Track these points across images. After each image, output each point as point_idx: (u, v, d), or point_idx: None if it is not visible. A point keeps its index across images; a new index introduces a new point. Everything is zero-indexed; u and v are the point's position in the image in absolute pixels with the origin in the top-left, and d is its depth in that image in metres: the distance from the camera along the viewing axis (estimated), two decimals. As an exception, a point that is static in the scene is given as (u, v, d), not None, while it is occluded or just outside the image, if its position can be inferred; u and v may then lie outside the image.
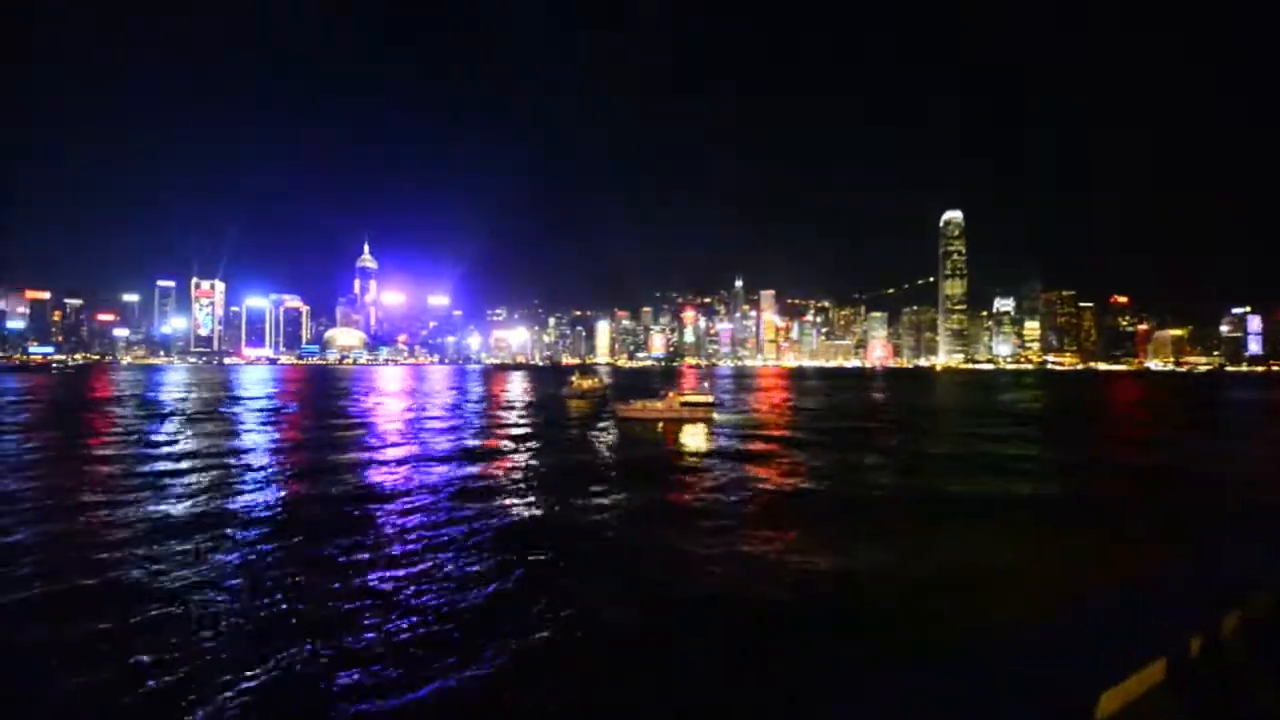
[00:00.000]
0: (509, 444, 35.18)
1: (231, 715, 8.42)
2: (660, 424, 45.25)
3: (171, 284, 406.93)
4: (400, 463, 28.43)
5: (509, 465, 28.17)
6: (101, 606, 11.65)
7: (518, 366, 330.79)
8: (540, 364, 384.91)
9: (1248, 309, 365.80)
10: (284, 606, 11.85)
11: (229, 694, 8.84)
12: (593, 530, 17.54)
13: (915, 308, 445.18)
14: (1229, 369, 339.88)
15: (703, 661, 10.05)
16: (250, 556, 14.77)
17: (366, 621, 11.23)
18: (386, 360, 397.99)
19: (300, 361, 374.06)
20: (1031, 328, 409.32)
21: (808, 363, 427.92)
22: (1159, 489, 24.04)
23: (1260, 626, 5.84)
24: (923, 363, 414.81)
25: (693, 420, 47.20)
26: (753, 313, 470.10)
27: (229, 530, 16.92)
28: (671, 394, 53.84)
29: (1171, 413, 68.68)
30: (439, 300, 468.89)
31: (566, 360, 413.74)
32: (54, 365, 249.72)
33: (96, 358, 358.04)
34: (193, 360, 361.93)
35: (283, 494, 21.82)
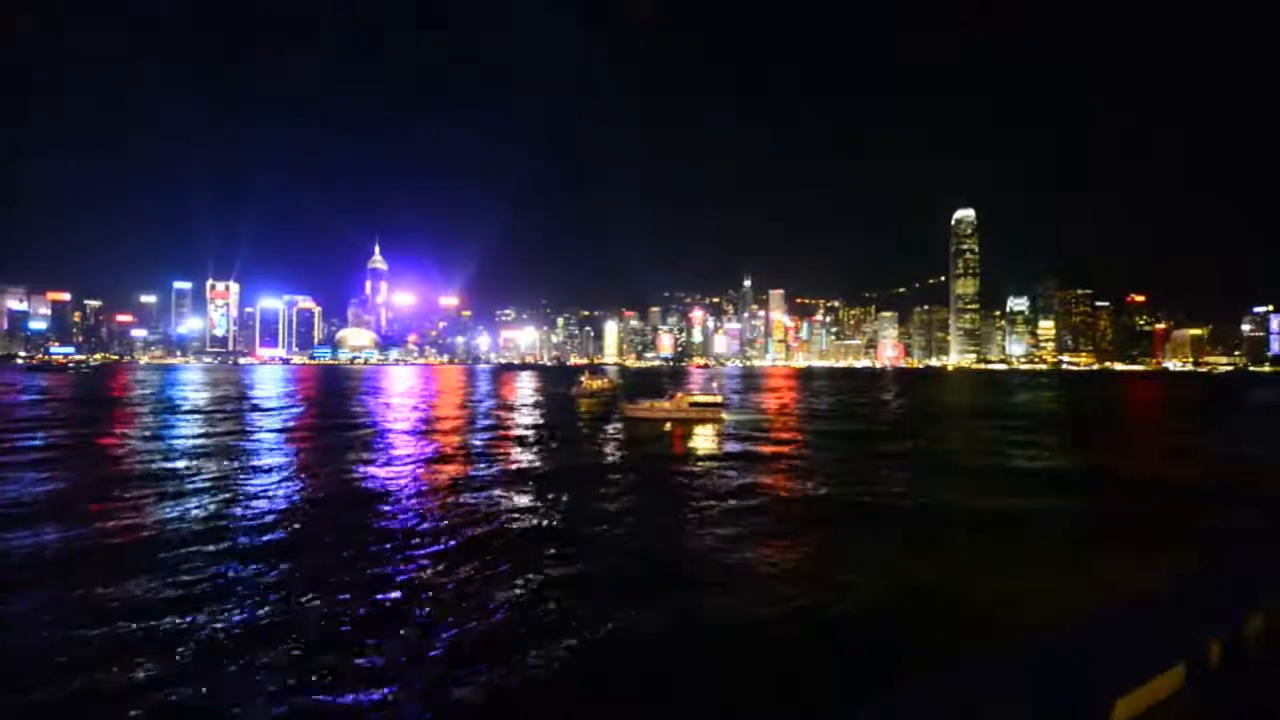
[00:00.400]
0: (517, 446, 35.16)
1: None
2: (668, 424, 45.13)
3: (188, 286, 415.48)
4: (409, 462, 28.49)
5: (518, 466, 28.09)
6: (112, 613, 11.68)
7: (526, 366, 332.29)
8: (549, 364, 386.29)
9: (1270, 308, 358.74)
10: (295, 612, 11.83)
11: (243, 702, 8.80)
12: (604, 536, 17.41)
13: (927, 307, 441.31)
14: (1252, 369, 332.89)
15: (729, 678, 9.87)
16: (261, 559, 14.79)
17: (377, 631, 11.18)
18: (397, 360, 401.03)
19: (312, 361, 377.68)
20: (1046, 327, 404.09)
21: (817, 363, 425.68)
22: (1180, 496, 23.50)
23: None
24: (934, 363, 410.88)
25: (701, 421, 47.01)
26: (761, 312, 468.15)
27: (242, 530, 16.97)
28: (679, 394, 53.57)
29: (1192, 415, 67.36)
30: (449, 301, 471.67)
31: (574, 360, 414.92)
32: (73, 365, 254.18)
33: (115, 358, 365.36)
34: (208, 360, 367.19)
35: (293, 495, 21.88)
